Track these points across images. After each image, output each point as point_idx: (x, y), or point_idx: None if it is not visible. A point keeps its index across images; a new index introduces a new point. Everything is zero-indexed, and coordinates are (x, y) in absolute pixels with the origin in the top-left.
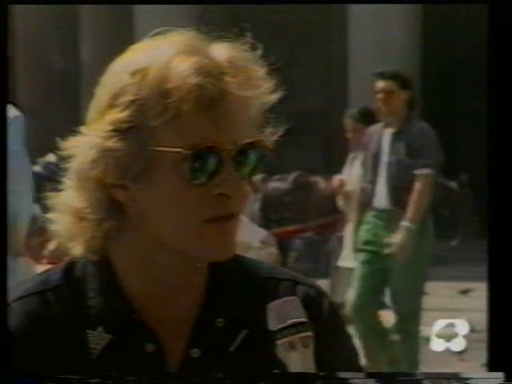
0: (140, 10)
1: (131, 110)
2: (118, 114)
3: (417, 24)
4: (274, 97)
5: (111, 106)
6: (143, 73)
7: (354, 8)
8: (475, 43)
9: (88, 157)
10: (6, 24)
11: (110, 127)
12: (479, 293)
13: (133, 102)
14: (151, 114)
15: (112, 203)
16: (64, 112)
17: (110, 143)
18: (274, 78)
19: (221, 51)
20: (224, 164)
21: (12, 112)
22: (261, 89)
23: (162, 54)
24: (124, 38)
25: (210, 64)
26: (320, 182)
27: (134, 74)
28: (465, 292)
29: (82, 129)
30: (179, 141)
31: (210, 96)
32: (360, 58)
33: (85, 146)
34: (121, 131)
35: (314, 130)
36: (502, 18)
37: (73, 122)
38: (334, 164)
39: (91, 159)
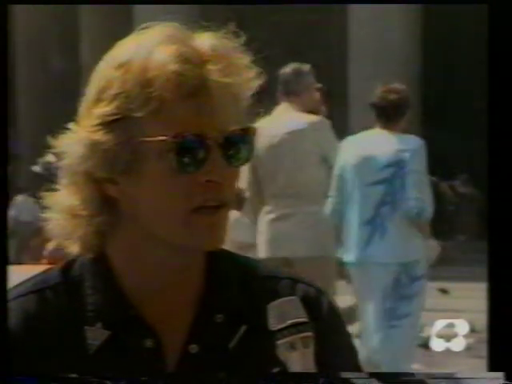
0: (140, 9)
1: (116, 103)
2: (104, 108)
3: (417, 24)
4: (258, 83)
5: (98, 100)
6: (127, 66)
7: (354, 8)
8: (475, 43)
9: (77, 152)
10: (5, 24)
11: (97, 121)
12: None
13: (118, 94)
14: (135, 105)
15: (104, 199)
16: (64, 112)
17: (97, 136)
18: (258, 66)
19: (203, 40)
20: (211, 151)
21: (416, 140)
22: (243, 75)
23: (144, 45)
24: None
25: (189, 51)
26: None
27: (118, 67)
28: (444, 291)
29: (71, 125)
30: (164, 130)
31: (190, 83)
32: (360, 58)
33: (73, 141)
34: (107, 124)
35: None
36: (502, 17)
37: (72, 121)
38: None
39: (80, 154)
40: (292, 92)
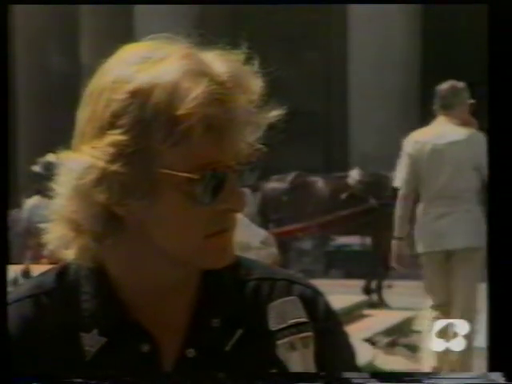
0: (140, 9)
1: (135, 132)
2: (120, 137)
3: (417, 24)
4: (275, 115)
5: (112, 125)
6: (145, 93)
7: (354, 8)
8: (475, 43)
9: (89, 176)
10: (6, 24)
11: (112, 149)
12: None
13: (135, 123)
14: (157, 137)
15: (110, 216)
16: (64, 112)
17: (115, 167)
18: (270, 87)
19: (221, 67)
20: (228, 180)
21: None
22: (262, 107)
23: (166, 73)
24: (124, 38)
25: (218, 91)
26: (318, 181)
27: (134, 93)
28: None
29: (79, 144)
30: (186, 163)
31: (220, 123)
32: (360, 58)
33: (84, 164)
34: (125, 155)
35: (314, 130)
36: (502, 18)
37: (72, 122)
38: (334, 164)
39: (93, 179)
40: (448, 106)
